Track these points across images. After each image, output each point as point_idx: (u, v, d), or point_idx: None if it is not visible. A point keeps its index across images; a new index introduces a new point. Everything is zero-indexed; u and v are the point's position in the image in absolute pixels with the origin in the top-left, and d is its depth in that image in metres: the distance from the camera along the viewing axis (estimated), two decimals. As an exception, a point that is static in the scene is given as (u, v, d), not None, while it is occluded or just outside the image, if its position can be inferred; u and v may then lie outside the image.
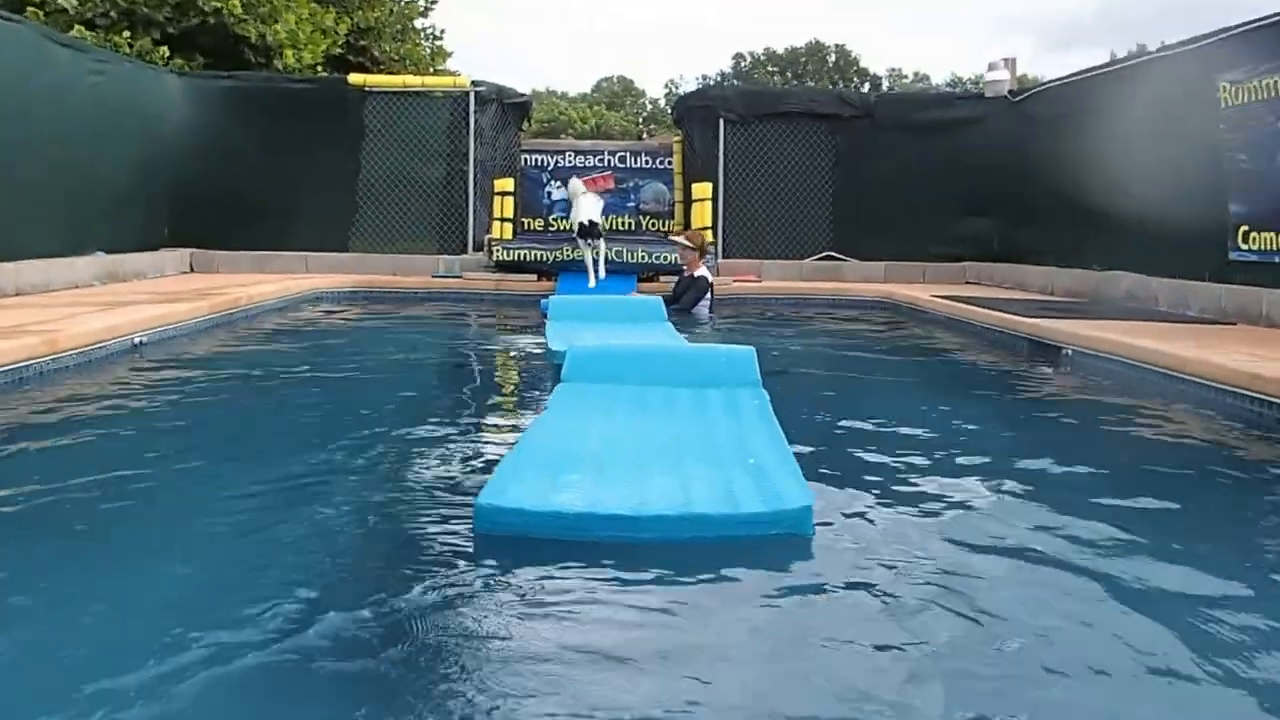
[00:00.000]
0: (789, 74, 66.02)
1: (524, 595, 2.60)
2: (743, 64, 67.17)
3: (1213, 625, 2.44)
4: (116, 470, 3.80)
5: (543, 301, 10.11)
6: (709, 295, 9.87)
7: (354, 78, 13.23)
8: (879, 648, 2.30)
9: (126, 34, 13.24)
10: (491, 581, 2.71)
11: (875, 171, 13.24)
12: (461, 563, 2.84)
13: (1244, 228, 8.41)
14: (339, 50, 16.68)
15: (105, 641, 2.31)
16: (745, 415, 4.28)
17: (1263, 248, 8.20)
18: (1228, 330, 7.43)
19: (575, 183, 12.00)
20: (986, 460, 4.15)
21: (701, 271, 9.91)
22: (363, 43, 17.22)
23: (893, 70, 68.93)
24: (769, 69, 66.63)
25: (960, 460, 4.15)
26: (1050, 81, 13.54)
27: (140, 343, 6.54)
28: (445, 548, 2.98)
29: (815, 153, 13.44)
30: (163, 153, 11.81)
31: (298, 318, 9.35)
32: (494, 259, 11.98)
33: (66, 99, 9.70)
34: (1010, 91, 13.48)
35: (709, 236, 11.83)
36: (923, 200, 13.14)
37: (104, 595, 2.59)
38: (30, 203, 9.06)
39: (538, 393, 5.77)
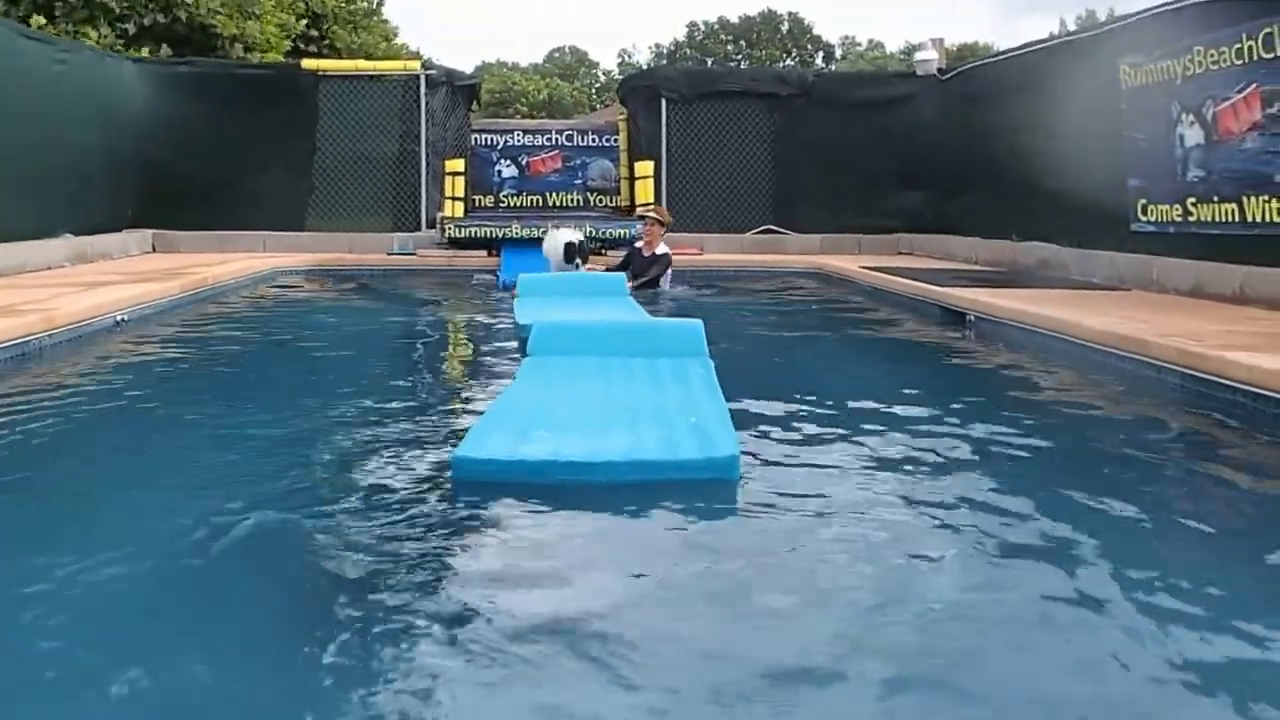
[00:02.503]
0: (743, 43, 66.35)
1: (493, 530, 3.13)
2: (697, 34, 67.30)
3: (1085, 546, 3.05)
4: (118, 429, 4.35)
5: (500, 278, 10.67)
6: (669, 270, 10.30)
7: (307, 62, 13.60)
8: (781, 570, 2.83)
9: (91, 29, 13.48)
10: (466, 521, 3.21)
11: (813, 148, 13.89)
12: (442, 505, 3.33)
13: (1142, 201, 9.19)
14: (297, 39, 16.91)
15: (99, 582, 2.65)
16: (691, 381, 4.74)
17: (1158, 219, 8.99)
18: (1122, 296, 8.21)
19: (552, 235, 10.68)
20: (890, 413, 4.75)
21: (663, 249, 10.18)
22: (315, 32, 17.42)
23: (846, 38, 69.36)
24: (723, 38, 66.90)
25: (871, 413, 4.73)
26: (973, 61, 14.30)
27: (122, 319, 7.01)
28: (427, 494, 3.45)
29: (755, 130, 14.06)
30: (124, 138, 12.13)
31: (265, 294, 9.81)
32: (447, 236, 12.51)
33: (33, 88, 10.02)
34: (939, 70, 14.19)
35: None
36: (858, 175, 13.84)
37: (99, 539, 2.99)
38: (2, 188, 9.41)
39: (501, 360, 6.30)
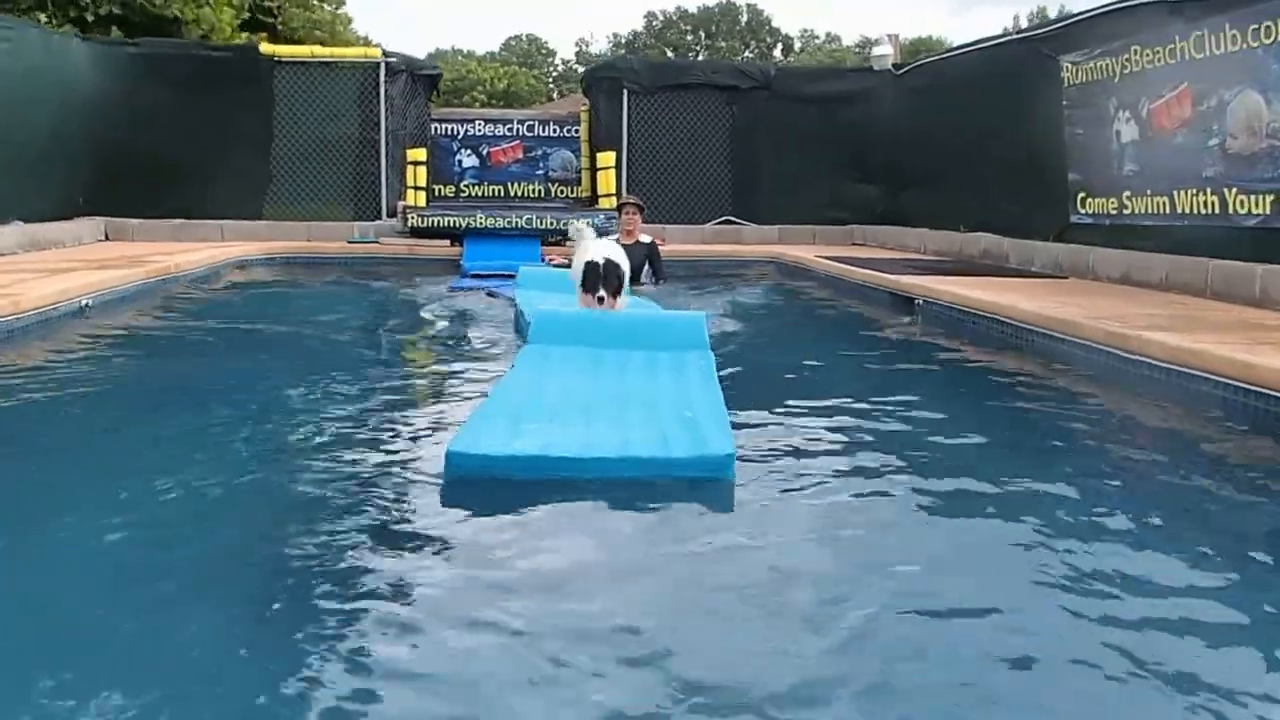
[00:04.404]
0: (701, 33, 66.61)
1: (485, 525, 3.12)
2: (655, 23, 67.43)
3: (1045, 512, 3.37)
4: (98, 411, 4.48)
5: (463, 268, 10.81)
6: (660, 260, 10.11)
7: (265, 46, 13.58)
8: (776, 571, 2.83)
9: (42, 15, 13.34)
10: (458, 516, 3.18)
11: (771, 140, 14.19)
12: (434, 500, 3.33)
13: (1081, 194, 9.59)
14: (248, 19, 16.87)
15: (87, 559, 2.73)
16: (690, 375, 4.66)
17: (1095, 211, 9.40)
18: (1059, 283, 8.60)
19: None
20: (859, 398, 4.97)
21: (646, 237, 9.93)
22: (268, 18, 17.38)
23: (805, 31, 69.97)
24: (682, 28, 67.10)
25: (848, 403, 4.87)
26: (926, 57, 14.68)
27: (87, 305, 7.10)
28: (417, 487, 3.46)
29: (715, 123, 14.32)
30: (74, 121, 11.94)
31: (231, 281, 9.91)
32: (409, 225, 12.62)
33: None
34: (894, 65, 14.55)
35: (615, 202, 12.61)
36: (815, 168, 14.16)
37: (77, 517, 3.07)
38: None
39: (488, 348, 6.41)
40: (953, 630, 2.50)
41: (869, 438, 4.25)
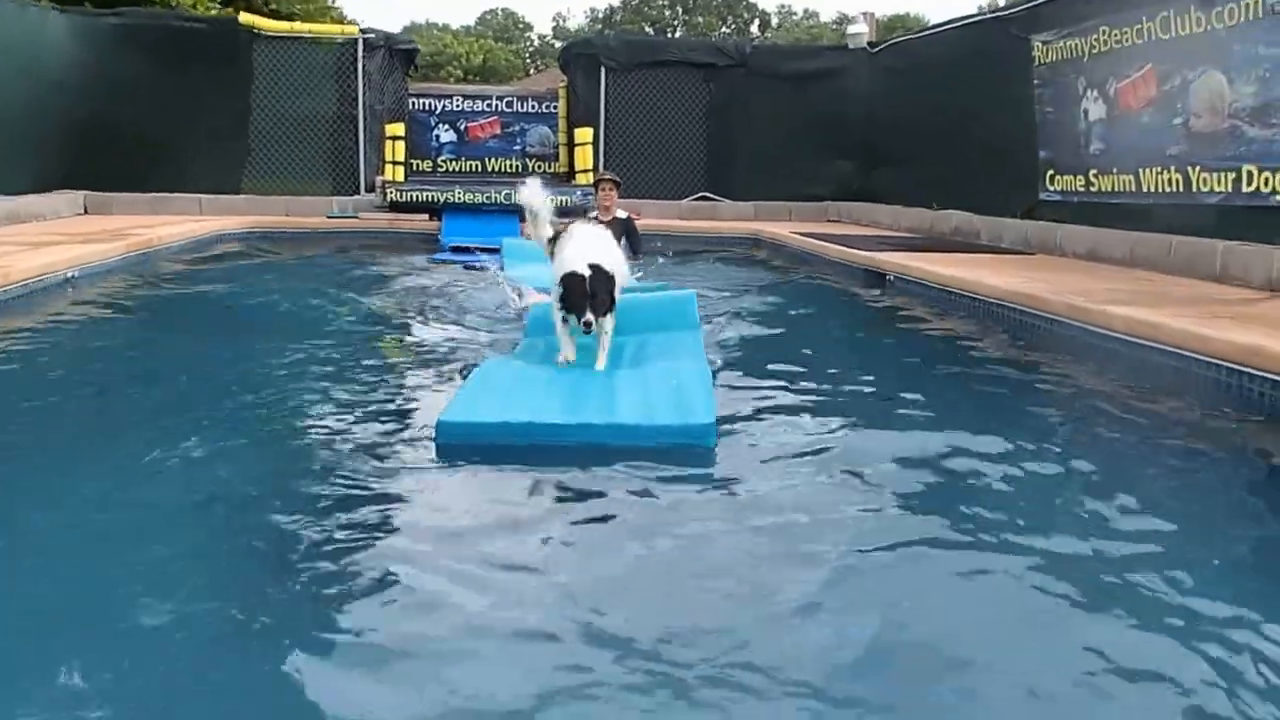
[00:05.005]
0: (679, 8, 66.27)
1: (474, 490, 3.27)
2: (632, -1, 67.00)
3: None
4: (85, 382, 4.57)
5: (441, 243, 10.90)
6: (638, 236, 10.18)
7: (244, 17, 13.50)
8: (754, 531, 2.99)
9: None
10: (449, 481, 3.35)
11: (747, 117, 14.32)
12: (422, 468, 3.43)
13: (1050, 171, 9.80)
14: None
15: (82, 538, 2.79)
16: (679, 351, 4.76)
17: (1064, 189, 9.61)
18: (1027, 259, 8.82)
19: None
20: (831, 371, 5.21)
21: (622, 213, 9.78)
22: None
23: (782, 7, 69.71)
24: (659, 2, 66.75)
25: (821, 374, 5.08)
26: (901, 35, 14.83)
27: (72, 277, 7.16)
28: (408, 455, 3.55)
29: (692, 99, 14.43)
30: (52, 93, 11.88)
31: (212, 256, 9.95)
32: (388, 200, 12.68)
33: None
34: (869, 43, 14.69)
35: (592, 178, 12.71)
36: (790, 144, 14.30)
37: (71, 484, 3.19)
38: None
39: (461, 320, 6.52)
40: (913, 589, 2.63)
41: (841, 408, 4.46)
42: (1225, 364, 4.61)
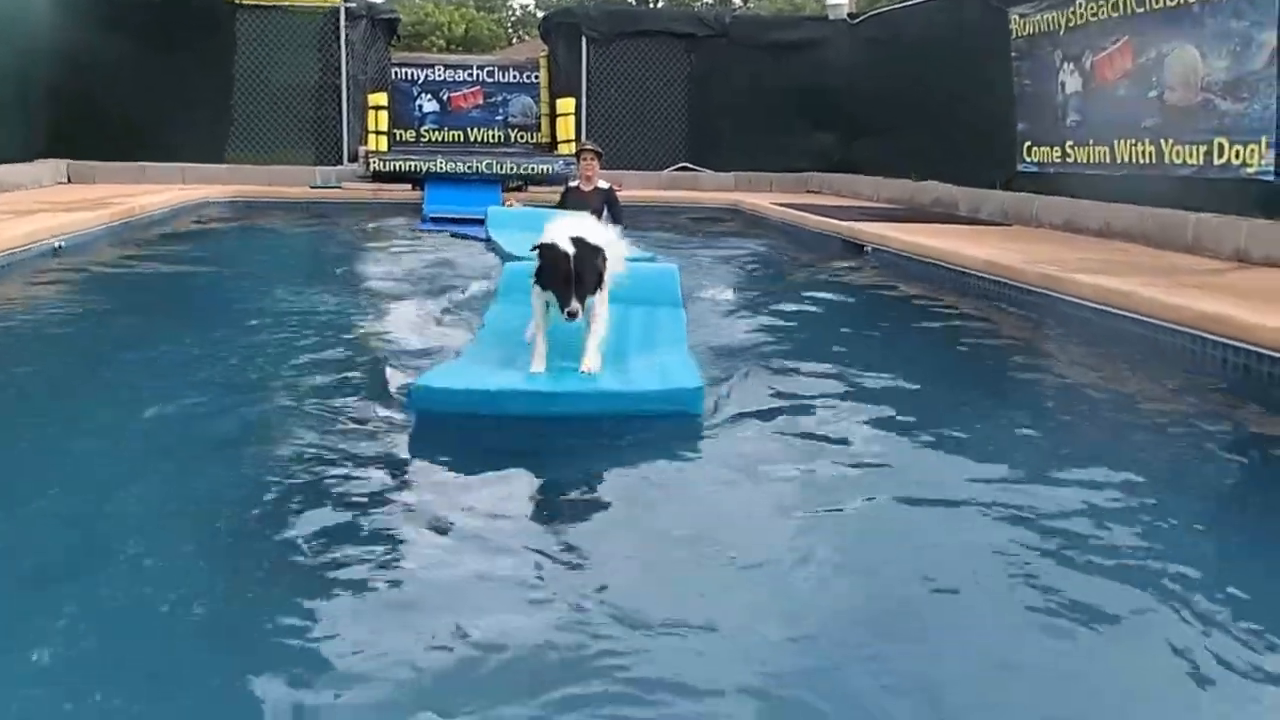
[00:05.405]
0: (658, -25, 65.64)
1: (449, 460, 3.20)
2: (612, -36, 66.19)
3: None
4: (75, 347, 4.66)
5: (424, 212, 10.95)
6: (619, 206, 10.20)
7: (225, -13, 13.42)
8: (738, 490, 3.10)
9: None
10: (423, 450, 3.27)
11: (728, 88, 14.36)
12: (400, 435, 3.42)
13: (1028, 143, 9.94)
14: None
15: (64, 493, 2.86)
16: (660, 327, 4.62)
17: (1040, 160, 9.76)
18: (1004, 230, 8.98)
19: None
20: (809, 339, 5.32)
21: (604, 183, 9.65)
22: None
23: (761, -23, 69.22)
24: (639, -30, 66.07)
25: (801, 343, 5.19)
26: (881, 7, 14.89)
27: (59, 246, 7.19)
28: (388, 422, 3.52)
29: (673, 70, 14.47)
30: (33, 61, 11.74)
31: (197, 224, 9.98)
32: (371, 170, 12.70)
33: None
34: (850, 15, 14.75)
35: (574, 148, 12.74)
36: (771, 115, 14.36)
37: (58, 452, 3.24)
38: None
39: (445, 286, 6.56)
40: (882, 551, 2.74)
41: (822, 376, 4.54)
42: (1191, 331, 4.78)
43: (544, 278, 3.79)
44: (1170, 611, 2.34)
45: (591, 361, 3.76)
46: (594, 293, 3.82)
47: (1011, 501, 3.01)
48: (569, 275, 3.72)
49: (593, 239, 3.89)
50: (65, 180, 12.31)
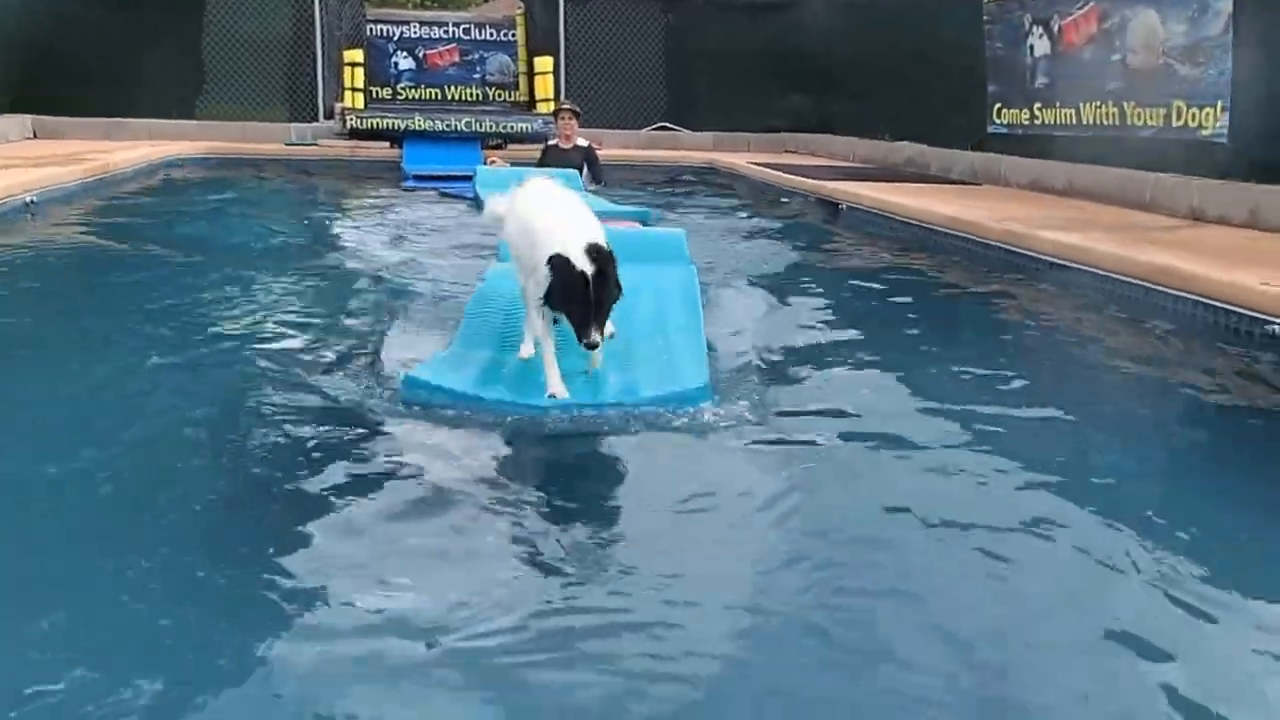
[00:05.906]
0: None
1: (438, 456, 2.99)
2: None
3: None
4: (44, 306, 4.69)
5: (404, 171, 10.98)
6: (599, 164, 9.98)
7: (194, -63, 13.23)
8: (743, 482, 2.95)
9: None
10: (414, 444, 3.07)
11: (706, 48, 14.41)
12: (391, 429, 3.20)
13: (998, 105, 10.11)
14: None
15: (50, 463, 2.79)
16: (670, 303, 4.24)
17: (1010, 122, 9.94)
18: (973, 189, 9.17)
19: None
20: (782, 295, 5.39)
21: (583, 141, 9.86)
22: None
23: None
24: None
25: (775, 301, 5.22)
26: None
27: (32, 202, 7.18)
28: (374, 415, 3.30)
29: (651, 28, 14.50)
30: (-3, 13, 11.52)
31: (170, 181, 9.95)
32: (349, 127, 12.65)
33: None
34: (826, -25, 14.78)
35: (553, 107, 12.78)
36: (748, 76, 14.40)
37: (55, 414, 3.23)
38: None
39: (437, 250, 6.55)
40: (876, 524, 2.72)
41: (797, 327, 4.71)
42: (1143, 283, 5.01)
43: (557, 300, 3.23)
44: (1115, 532, 2.55)
45: (595, 359, 3.43)
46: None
47: (980, 441, 3.19)
48: (588, 300, 3.17)
49: (602, 240, 3.34)
50: (31, 136, 12.11)
